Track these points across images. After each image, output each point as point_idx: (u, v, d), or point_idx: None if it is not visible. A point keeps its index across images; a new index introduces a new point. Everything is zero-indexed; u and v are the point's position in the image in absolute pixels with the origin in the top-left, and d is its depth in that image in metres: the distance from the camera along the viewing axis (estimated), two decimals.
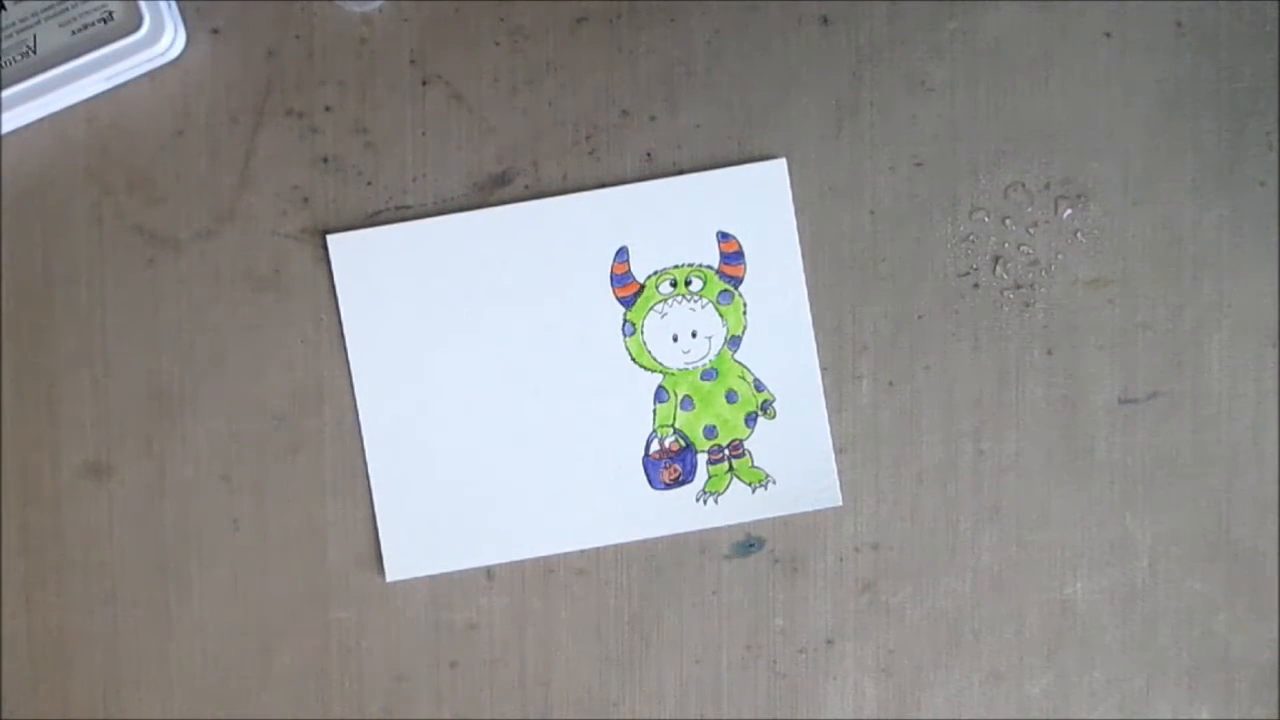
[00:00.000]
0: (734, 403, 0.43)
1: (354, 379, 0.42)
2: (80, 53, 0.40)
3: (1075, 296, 0.43)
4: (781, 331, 0.43)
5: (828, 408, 0.43)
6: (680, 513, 0.43)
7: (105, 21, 0.40)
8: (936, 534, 0.43)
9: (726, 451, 0.43)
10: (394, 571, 0.42)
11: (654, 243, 0.43)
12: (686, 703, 0.43)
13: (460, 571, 0.43)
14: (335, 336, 0.42)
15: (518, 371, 0.42)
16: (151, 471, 0.42)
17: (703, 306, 0.43)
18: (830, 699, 0.43)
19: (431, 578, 0.43)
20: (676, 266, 0.43)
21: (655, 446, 0.43)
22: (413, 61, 0.42)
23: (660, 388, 0.43)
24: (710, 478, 0.43)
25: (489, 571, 0.43)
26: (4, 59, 0.40)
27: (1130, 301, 0.43)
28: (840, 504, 0.43)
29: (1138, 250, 0.43)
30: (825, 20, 0.43)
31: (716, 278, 0.43)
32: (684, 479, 0.43)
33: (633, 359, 0.43)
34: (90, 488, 0.42)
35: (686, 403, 0.43)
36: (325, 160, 0.42)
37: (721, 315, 0.43)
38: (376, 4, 0.42)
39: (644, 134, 0.43)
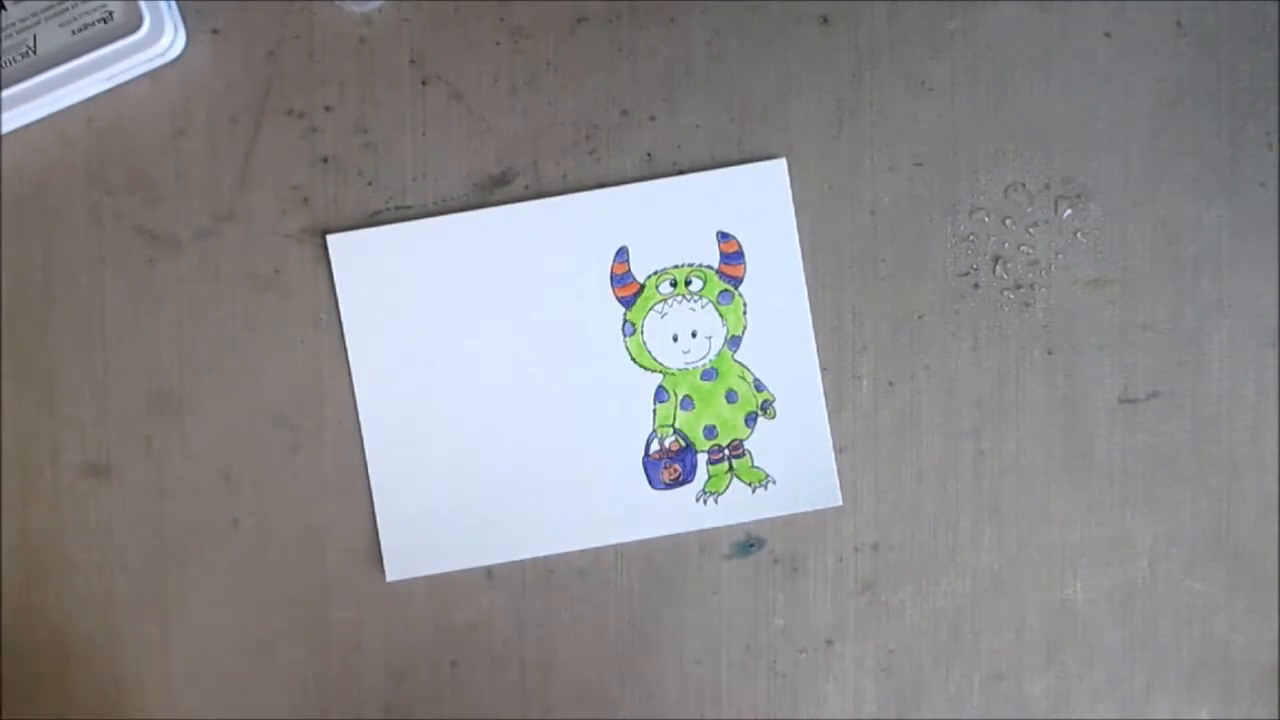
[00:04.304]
0: (734, 403, 0.43)
1: (354, 379, 0.42)
2: (80, 53, 0.40)
3: (1075, 296, 0.43)
4: (781, 331, 0.43)
5: (828, 408, 0.43)
6: (680, 513, 0.43)
7: (105, 21, 0.40)
8: (936, 534, 0.43)
9: (726, 451, 0.43)
10: (394, 571, 0.42)
11: (654, 243, 0.43)
12: (686, 703, 0.43)
13: (460, 571, 0.43)
14: (335, 336, 0.42)
15: (518, 371, 0.42)
16: (151, 471, 0.42)
17: (703, 306, 0.43)
18: (830, 699, 0.43)
19: (431, 578, 0.43)
20: (676, 266, 0.43)
21: (655, 446, 0.43)
22: (413, 61, 0.42)
23: (660, 388, 0.43)
24: (710, 478, 0.43)
25: (489, 571, 0.43)
26: (4, 59, 0.40)
27: (1130, 301, 0.43)
28: (840, 504, 0.43)
29: (1138, 250, 0.43)
30: (825, 20, 0.43)
31: (716, 278, 0.43)
32: (684, 479, 0.43)
33: (633, 359, 0.43)
34: (90, 488, 0.42)
35: (686, 403, 0.43)
36: (325, 160, 0.42)
37: (721, 315, 0.43)
38: (376, 4, 0.42)
39: (644, 134, 0.43)
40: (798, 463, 0.43)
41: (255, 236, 0.42)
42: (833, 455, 0.43)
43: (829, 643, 0.43)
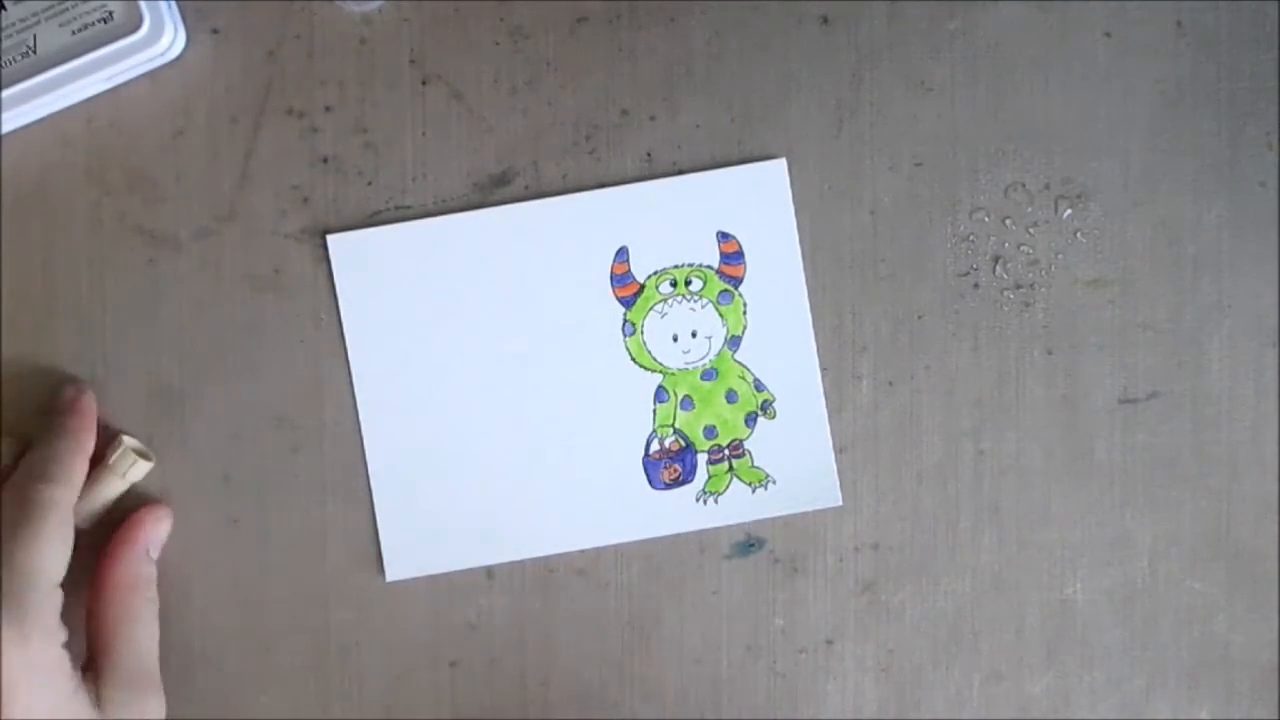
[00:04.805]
0: (734, 403, 0.43)
1: (354, 379, 0.42)
2: (80, 53, 0.40)
3: (1075, 296, 0.43)
4: (781, 331, 0.43)
5: (828, 408, 0.43)
6: (680, 513, 0.43)
7: (105, 21, 0.40)
8: (936, 534, 0.43)
9: (726, 451, 0.43)
10: (394, 571, 0.42)
11: (654, 243, 0.43)
12: (686, 703, 0.43)
13: (460, 571, 0.43)
14: (335, 336, 0.42)
15: (518, 371, 0.42)
16: (152, 471, 0.42)
17: (703, 306, 0.43)
18: (830, 699, 0.43)
19: (431, 578, 0.43)
20: (676, 266, 0.43)
21: (655, 446, 0.43)
22: (413, 61, 0.42)
23: (660, 388, 0.43)
24: (710, 478, 0.43)
25: (489, 571, 0.43)
26: (4, 59, 0.40)
27: (1130, 301, 0.43)
28: (840, 504, 0.43)
29: (1138, 250, 0.43)
30: (825, 20, 0.43)
31: (716, 278, 0.43)
32: (684, 479, 0.43)
33: (633, 359, 0.43)
34: None
35: (686, 403, 0.43)
36: (325, 160, 0.42)
37: (721, 315, 0.43)
38: (376, 4, 0.42)
39: (644, 134, 0.43)
40: (798, 463, 0.43)
41: (255, 236, 0.42)
42: (833, 455, 0.43)
43: (829, 643, 0.43)
